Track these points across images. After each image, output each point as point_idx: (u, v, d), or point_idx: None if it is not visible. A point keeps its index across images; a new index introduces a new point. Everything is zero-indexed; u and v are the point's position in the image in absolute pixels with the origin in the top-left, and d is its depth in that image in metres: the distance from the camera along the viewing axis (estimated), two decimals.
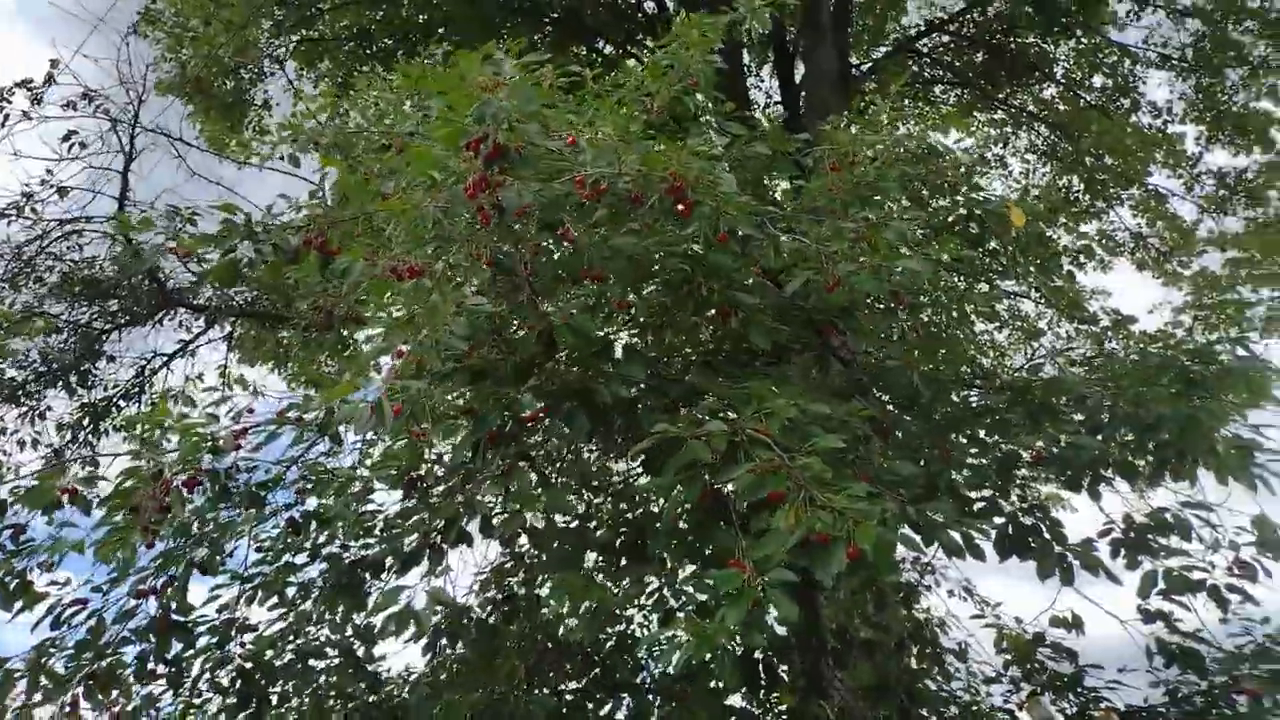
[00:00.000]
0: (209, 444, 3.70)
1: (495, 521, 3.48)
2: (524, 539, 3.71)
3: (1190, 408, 4.09)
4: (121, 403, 9.47)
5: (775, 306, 4.32)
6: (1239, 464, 3.80)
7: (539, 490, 3.36)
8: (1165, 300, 11.73)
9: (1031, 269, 6.69)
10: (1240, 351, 4.50)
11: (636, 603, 3.56)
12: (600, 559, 3.69)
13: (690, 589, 3.31)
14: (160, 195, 8.39)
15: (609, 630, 3.58)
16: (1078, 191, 12.05)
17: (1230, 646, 4.64)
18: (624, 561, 3.62)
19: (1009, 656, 5.39)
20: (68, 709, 3.46)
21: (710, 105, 4.89)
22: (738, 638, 2.71)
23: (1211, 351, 4.50)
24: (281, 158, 4.90)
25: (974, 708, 4.79)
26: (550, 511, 3.53)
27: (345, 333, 9.19)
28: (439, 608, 3.33)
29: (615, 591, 3.36)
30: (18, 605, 3.61)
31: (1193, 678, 5.32)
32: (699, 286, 3.97)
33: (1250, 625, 4.79)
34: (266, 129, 11.81)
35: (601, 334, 3.86)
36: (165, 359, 8.51)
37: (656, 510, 3.84)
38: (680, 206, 3.35)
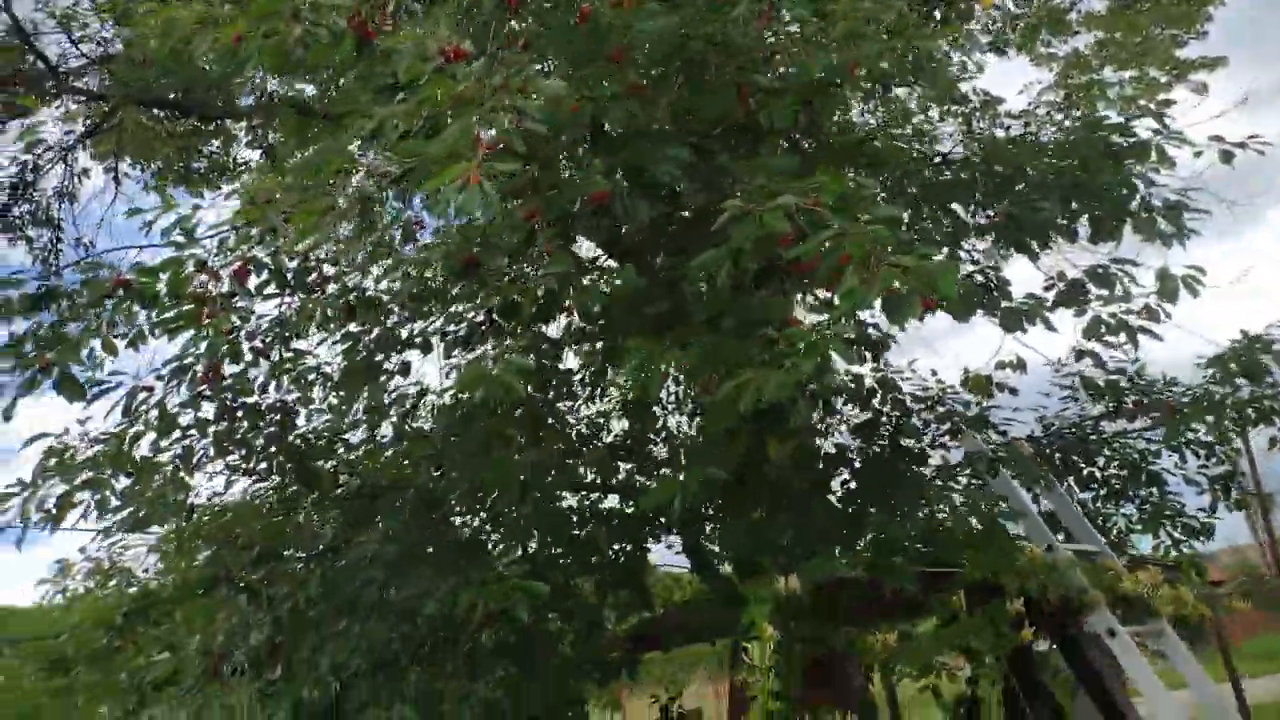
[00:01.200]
0: (258, 235, 3.77)
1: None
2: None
3: (1124, 177, 4.74)
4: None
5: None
6: (1172, 222, 4.44)
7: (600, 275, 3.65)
8: (1036, 80, 12.40)
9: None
10: (1153, 125, 5.16)
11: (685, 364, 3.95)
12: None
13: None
14: None
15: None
16: None
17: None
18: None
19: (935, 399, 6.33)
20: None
21: None
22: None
23: (1129, 126, 5.13)
24: None
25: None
26: (622, 288, 3.84)
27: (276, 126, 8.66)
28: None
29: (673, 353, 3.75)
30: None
31: (1069, 413, 6.65)
32: (715, 68, 4.17)
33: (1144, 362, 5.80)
34: None
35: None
36: (62, 151, 7.90)
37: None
38: None
